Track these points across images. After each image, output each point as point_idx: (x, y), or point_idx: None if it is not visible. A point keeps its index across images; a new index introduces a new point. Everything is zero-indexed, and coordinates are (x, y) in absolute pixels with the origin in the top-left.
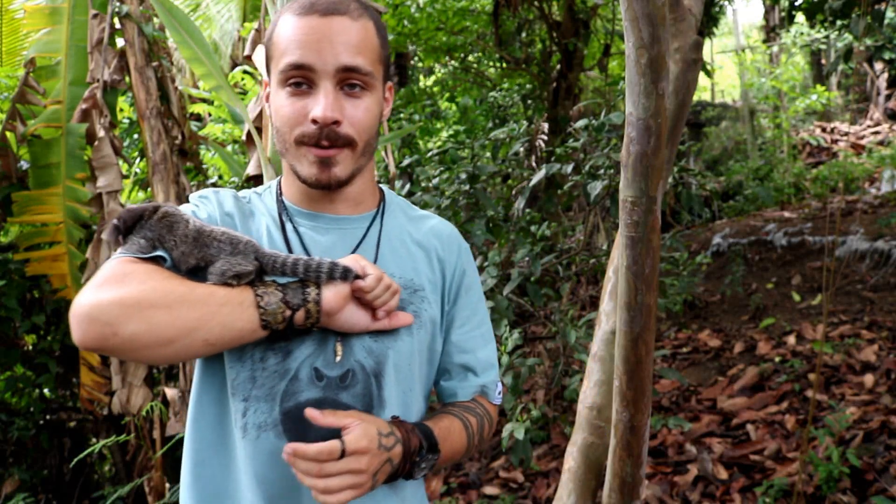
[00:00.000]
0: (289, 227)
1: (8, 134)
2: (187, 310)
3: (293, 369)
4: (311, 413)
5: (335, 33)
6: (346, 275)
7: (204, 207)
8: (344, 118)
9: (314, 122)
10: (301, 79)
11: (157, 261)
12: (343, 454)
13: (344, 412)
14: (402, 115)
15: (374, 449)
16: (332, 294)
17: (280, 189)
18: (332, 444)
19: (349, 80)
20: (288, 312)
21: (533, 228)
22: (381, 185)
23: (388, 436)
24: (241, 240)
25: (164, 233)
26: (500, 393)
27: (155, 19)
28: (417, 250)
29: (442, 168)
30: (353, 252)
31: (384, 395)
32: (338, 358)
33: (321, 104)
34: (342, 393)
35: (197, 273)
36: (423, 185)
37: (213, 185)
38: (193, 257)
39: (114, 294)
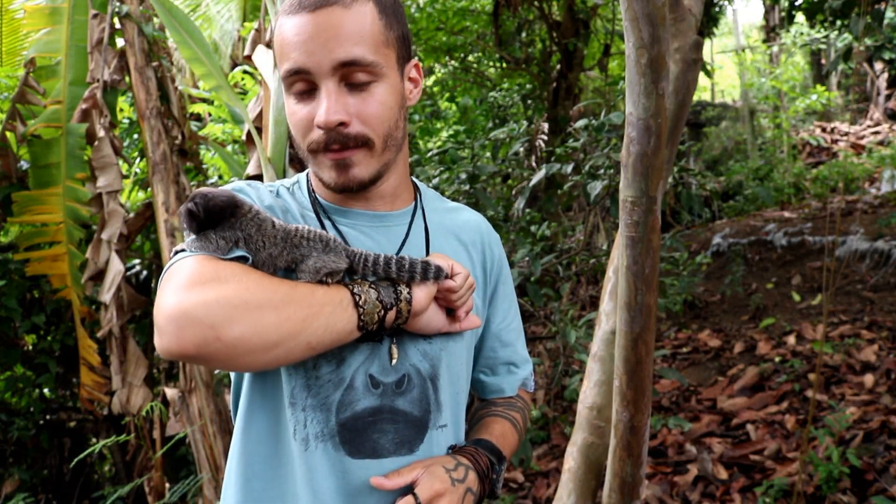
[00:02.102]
0: (328, 224)
1: (8, 134)
2: (294, 310)
3: (348, 377)
4: (377, 481)
5: (324, 29)
6: (439, 274)
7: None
8: (351, 116)
9: (319, 127)
10: (302, 83)
11: (240, 260)
12: None
13: (406, 468)
14: None
15: (449, 487)
16: (423, 293)
17: (310, 185)
18: (406, 502)
19: (352, 75)
20: (382, 312)
21: (533, 228)
22: (412, 178)
23: (456, 469)
24: (330, 237)
25: (252, 232)
26: (534, 381)
27: (155, 19)
28: (457, 245)
29: (442, 168)
30: (400, 249)
31: (441, 399)
32: (394, 361)
33: (322, 108)
34: (399, 399)
35: (276, 275)
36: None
37: (214, 185)
38: (283, 259)
39: (215, 294)
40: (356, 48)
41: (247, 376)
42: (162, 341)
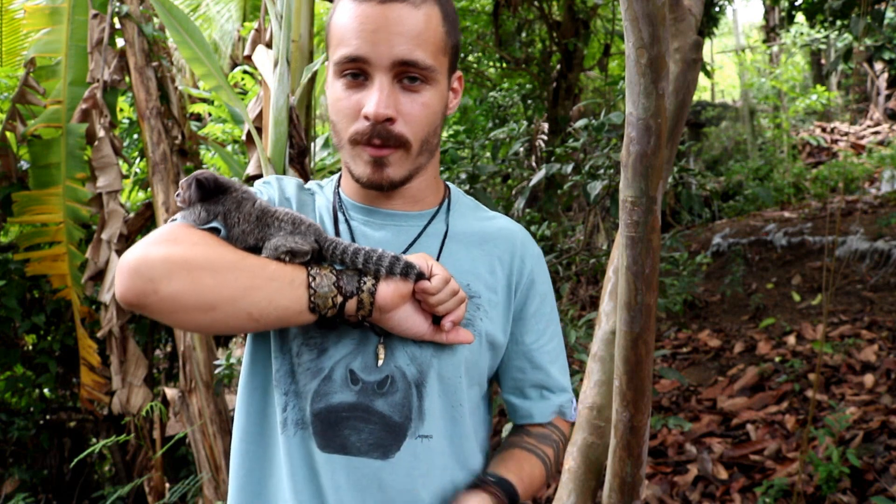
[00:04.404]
0: (341, 219)
1: (8, 134)
2: (234, 277)
3: (327, 368)
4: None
5: (393, 23)
6: (408, 270)
7: (266, 191)
8: (399, 115)
9: (366, 118)
10: (357, 70)
11: (212, 232)
12: None
13: None
14: None
15: None
16: (389, 288)
17: (339, 181)
18: None
19: (407, 74)
20: (339, 299)
21: (533, 228)
22: (448, 183)
23: None
24: (305, 221)
25: (231, 208)
26: (575, 409)
27: (155, 19)
28: (479, 253)
29: (442, 168)
30: (407, 250)
31: (425, 408)
32: (380, 361)
33: (374, 100)
34: (378, 400)
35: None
36: None
37: None
38: (253, 237)
39: (163, 251)
40: (418, 50)
41: (245, 357)
42: (116, 289)
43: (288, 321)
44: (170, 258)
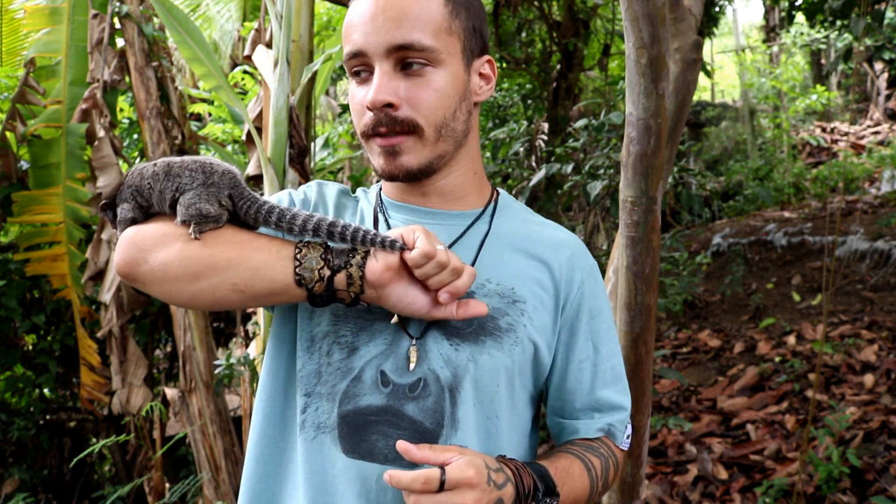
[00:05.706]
0: (381, 219)
1: (8, 134)
2: (221, 247)
3: (357, 368)
4: (403, 446)
5: (383, 10)
6: (373, 240)
7: (303, 190)
8: (401, 100)
9: (368, 108)
10: (361, 66)
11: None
12: (442, 486)
13: (443, 447)
14: None
15: (483, 483)
16: (379, 262)
17: (382, 184)
18: (430, 473)
19: (408, 59)
20: (326, 272)
21: None
22: (498, 189)
23: (497, 471)
24: (217, 170)
25: (134, 182)
26: (628, 437)
27: (155, 19)
28: (526, 259)
29: None
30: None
31: (458, 415)
32: (412, 365)
33: (372, 88)
34: (409, 404)
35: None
36: None
37: None
38: (169, 190)
39: (157, 226)
40: (414, 32)
41: (265, 360)
42: (114, 261)
43: (274, 295)
44: (161, 230)
